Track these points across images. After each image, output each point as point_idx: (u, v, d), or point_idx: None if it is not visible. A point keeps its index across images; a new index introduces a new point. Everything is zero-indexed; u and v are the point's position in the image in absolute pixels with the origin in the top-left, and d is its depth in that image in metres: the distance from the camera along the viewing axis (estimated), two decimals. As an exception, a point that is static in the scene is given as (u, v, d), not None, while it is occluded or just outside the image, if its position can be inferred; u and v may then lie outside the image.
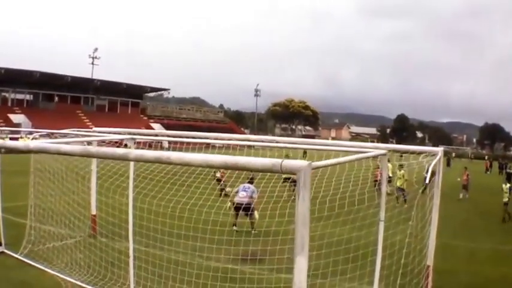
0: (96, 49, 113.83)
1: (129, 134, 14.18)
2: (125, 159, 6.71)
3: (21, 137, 66.55)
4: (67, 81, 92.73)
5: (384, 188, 9.86)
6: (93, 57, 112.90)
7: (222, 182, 23.07)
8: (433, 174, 9.58)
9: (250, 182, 19.59)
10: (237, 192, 19.32)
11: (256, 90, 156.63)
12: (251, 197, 19.03)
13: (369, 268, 10.56)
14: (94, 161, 16.84)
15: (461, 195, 34.22)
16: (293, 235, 4.87)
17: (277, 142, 13.34)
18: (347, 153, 10.53)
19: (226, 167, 5.56)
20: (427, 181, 9.80)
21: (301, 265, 5.23)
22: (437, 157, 10.79)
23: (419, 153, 11.48)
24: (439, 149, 11.20)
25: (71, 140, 11.35)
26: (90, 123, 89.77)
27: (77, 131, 17.39)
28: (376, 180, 23.06)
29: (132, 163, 12.33)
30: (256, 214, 18.59)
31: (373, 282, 9.69)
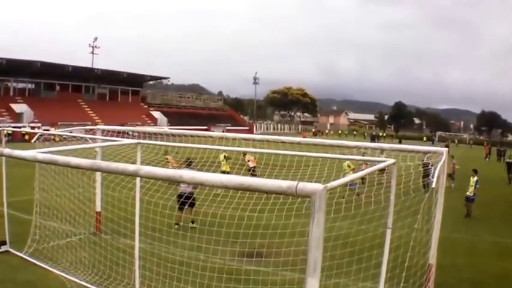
0: (96, 38, 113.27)
1: (133, 132, 14.10)
2: (134, 175, 6.56)
3: (23, 126, 66.75)
4: (68, 71, 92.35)
5: (393, 196, 9.70)
6: (93, 47, 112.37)
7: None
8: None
9: (189, 165, 18.01)
10: (176, 185, 17.42)
11: (255, 78, 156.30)
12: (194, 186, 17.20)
13: (373, 271, 10.46)
14: (99, 156, 16.79)
15: (447, 184, 33.64)
16: (299, 237, 4.78)
17: (282, 142, 13.13)
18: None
19: (241, 188, 5.43)
20: (433, 185, 9.69)
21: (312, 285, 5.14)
22: (443, 159, 10.70)
23: (424, 153, 11.39)
24: (444, 150, 11.11)
25: (78, 147, 11.17)
26: (91, 112, 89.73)
27: (82, 129, 17.26)
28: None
29: (138, 160, 12.27)
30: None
31: (379, 282, 9.57)
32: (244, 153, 25.31)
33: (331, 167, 12.53)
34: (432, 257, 11.70)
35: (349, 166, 27.19)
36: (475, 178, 24.80)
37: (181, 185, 17.27)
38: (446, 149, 11.03)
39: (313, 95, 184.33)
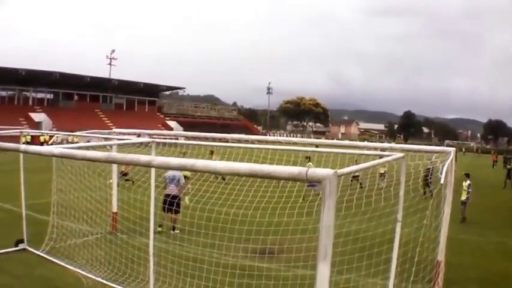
0: (113, 50, 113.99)
1: (148, 135, 14.11)
2: (148, 165, 6.52)
3: (41, 135, 66.96)
4: (86, 81, 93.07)
5: (402, 191, 9.61)
6: (110, 58, 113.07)
7: (128, 174, 22.69)
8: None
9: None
10: (165, 185, 17.39)
11: (269, 88, 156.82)
12: (180, 186, 17.49)
13: (383, 266, 10.36)
14: (115, 170, 16.90)
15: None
16: (311, 234, 4.71)
17: (294, 143, 13.07)
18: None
19: (252, 175, 5.37)
20: (442, 181, 9.60)
21: (323, 273, 5.08)
22: (450, 157, 10.61)
23: (432, 152, 11.29)
24: (452, 149, 11.00)
25: (93, 145, 11.18)
26: (108, 121, 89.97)
27: (97, 132, 17.31)
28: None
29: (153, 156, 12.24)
30: (186, 199, 17.30)
31: (388, 277, 9.46)
32: None
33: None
34: (441, 253, 11.61)
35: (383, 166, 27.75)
36: (468, 182, 24.17)
37: (169, 187, 17.27)
38: (454, 148, 10.88)
39: (325, 105, 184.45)
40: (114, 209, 16.36)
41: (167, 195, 16.74)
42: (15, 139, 25.26)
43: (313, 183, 4.65)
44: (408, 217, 10.10)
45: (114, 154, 7.07)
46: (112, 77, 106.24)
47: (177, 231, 15.88)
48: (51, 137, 25.48)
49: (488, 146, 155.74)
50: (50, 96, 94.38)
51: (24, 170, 15.18)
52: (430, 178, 23.07)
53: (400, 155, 9.26)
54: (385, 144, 11.18)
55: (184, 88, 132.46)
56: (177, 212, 16.62)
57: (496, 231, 21.39)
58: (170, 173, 17.50)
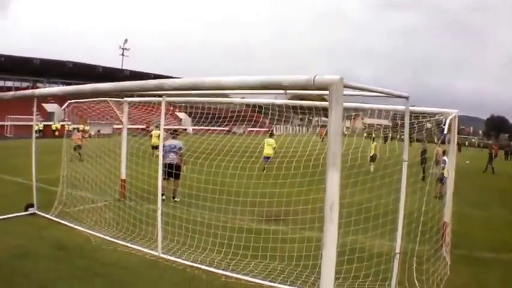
0: (126, 40, 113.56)
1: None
2: (160, 89, 6.34)
3: (53, 123, 67.19)
4: (98, 72, 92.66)
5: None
6: (123, 49, 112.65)
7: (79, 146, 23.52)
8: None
9: (174, 138, 18.34)
10: (164, 153, 15.95)
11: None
12: (180, 155, 17.40)
13: (389, 226, 10.14)
14: (124, 129, 17.21)
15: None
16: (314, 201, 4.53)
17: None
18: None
19: (263, 87, 5.21)
20: (445, 132, 9.52)
21: (333, 178, 4.94)
22: (453, 114, 10.44)
23: (436, 114, 11.12)
24: (455, 111, 10.81)
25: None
26: (119, 112, 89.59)
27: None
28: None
29: (163, 113, 12.37)
30: (184, 169, 17.18)
31: (395, 239, 9.20)
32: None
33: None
34: (447, 215, 11.45)
35: (375, 148, 30.68)
36: (444, 158, 23.09)
37: (169, 156, 17.01)
38: (457, 110, 10.70)
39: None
40: (123, 177, 16.24)
41: (166, 165, 16.06)
42: (29, 128, 25.32)
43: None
44: (410, 186, 9.80)
45: (123, 83, 6.86)
46: (124, 67, 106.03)
47: (177, 200, 15.93)
48: (63, 126, 26.03)
49: (489, 142, 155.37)
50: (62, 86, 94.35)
51: (36, 149, 15.05)
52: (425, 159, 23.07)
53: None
54: (390, 106, 10.94)
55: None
56: (177, 179, 16.67)
57: (503, 209, 21.13)
58: (170, 142, 17.58)
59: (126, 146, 16.50)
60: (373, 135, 31.21)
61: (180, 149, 17.47)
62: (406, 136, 9.12)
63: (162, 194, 15.38)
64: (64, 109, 16.93)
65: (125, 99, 16.58)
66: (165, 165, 15.72)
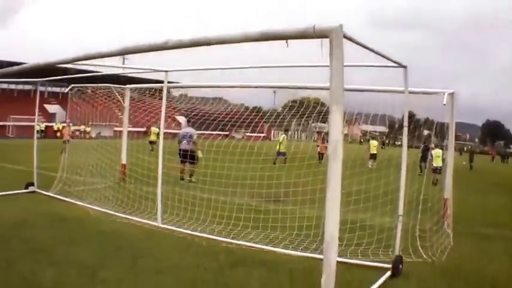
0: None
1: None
2: (163, 48, 6.18)
3: (55, 124, 67.22)
4: (98, 77, 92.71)
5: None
6: (124, 58, 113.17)
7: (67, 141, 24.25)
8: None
9: (190, 126, 19.10)
10: (179, 141, 18.54)
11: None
12: (193, 142, 18.22)
13: (390, 206, 9.99)
14: (126, 113, 17.46)
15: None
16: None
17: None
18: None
19: (264, 38, 5.15)
20: (444, 102, 9.45)
21: (336, 117, 4.85)
22: (450, 91, 10.28)
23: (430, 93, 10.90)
24: (452, 90, 10.64)
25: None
26: (119, 114, 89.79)
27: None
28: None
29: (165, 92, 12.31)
30: (199, 153, 17.73)
31: (396, 216, 8.96)
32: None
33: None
34: (447, 192, 11.30)
35: (375, 146, 31.16)
36: (437, 149, 22.48)
37: (183, 143, 18.20)
38: (453, 91, 10.54)
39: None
40: (123, 161, 16.06)
41: (181, 150, 17.54)
42: (30, 128, 25.45)
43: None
44: (409, 172, 9.62)
45: (128, 45, 6.67)
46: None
47: (194, 180, 16.20)
48: (64, 127, 26.66)
49: (486, 148, 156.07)
50: (64, 90, 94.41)
51: (38, 145, 15.25)
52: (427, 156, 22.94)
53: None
54: (391, 88, 10.77)
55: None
56: (192, 162, 17.45)
57: (501, 197, 21.21)
58: (184, 130, 18.68)
59: (127, 134, 16.67)
60: (369, 136, 31.35)
61: (191, 136, 18.34)
62: (405, 114, 8.96)
63: (182, 179, 16.55)
64: (68, 92, 16.75)
65: (127, 86, 16.52)
66: (180, 150, 17.52)
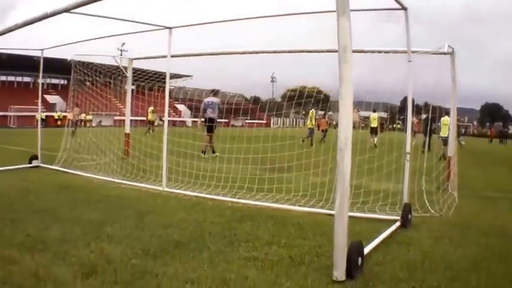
0: (123, 43, 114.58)
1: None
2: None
3: (56, 113, 67.24)
4: (98, 69, 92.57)
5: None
6: (121, 50, 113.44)
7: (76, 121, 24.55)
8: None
9: (215, 95, 19.04)
10: (204, 110, 18.37)
11: (272, 78, 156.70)
12: (218, 111, 18.30)
13: (394, 175, 10.11)
14: (129, 83, 19.08)
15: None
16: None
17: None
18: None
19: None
20: (445, 49, 9.49)
21: (343, 25, 4.73)
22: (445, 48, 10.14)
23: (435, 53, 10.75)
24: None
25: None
26: (119, 104, 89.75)
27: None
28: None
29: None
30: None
31: (402, 181, 8.82)
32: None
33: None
34: (451, 151, 11.23)
35: (375, 119, 30.11)
36: (445, 117, 21.51)
37: (208, 111, 18.07)
38: (453, 48, 10.42)
39: (327, 92, 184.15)
40: (127, 131, 16.24)
41: (207, 119, 17.99)
42: (31, 118, 25.80)
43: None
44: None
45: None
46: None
47: (217, 154, 15.59)
48: (65, 116, 26.80)
49: (484, 130, 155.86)
50: (63, 81, 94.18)
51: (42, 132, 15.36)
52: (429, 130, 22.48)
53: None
54: (393, 48, 10.65)
55: (192, 76, 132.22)
56: (211, 132, 17.56)
57: (501, 170, 21.21)
58: (208, 99, 18.50)
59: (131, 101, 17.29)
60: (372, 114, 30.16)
61: (216, 104, 18.26)
62: (408, 47, 8.79)
63: (204, 152, 16.67)
64: (71, 60, 16.70)
65: (129, 57, 16.61)
66: (205, 119, 17.81)
